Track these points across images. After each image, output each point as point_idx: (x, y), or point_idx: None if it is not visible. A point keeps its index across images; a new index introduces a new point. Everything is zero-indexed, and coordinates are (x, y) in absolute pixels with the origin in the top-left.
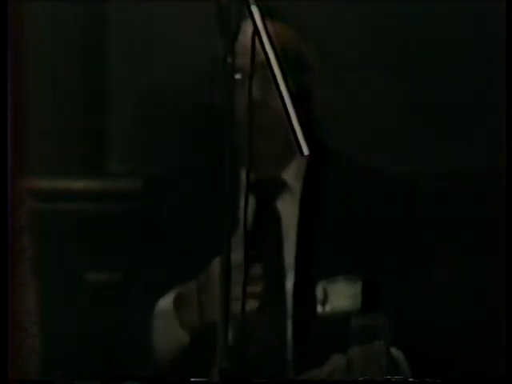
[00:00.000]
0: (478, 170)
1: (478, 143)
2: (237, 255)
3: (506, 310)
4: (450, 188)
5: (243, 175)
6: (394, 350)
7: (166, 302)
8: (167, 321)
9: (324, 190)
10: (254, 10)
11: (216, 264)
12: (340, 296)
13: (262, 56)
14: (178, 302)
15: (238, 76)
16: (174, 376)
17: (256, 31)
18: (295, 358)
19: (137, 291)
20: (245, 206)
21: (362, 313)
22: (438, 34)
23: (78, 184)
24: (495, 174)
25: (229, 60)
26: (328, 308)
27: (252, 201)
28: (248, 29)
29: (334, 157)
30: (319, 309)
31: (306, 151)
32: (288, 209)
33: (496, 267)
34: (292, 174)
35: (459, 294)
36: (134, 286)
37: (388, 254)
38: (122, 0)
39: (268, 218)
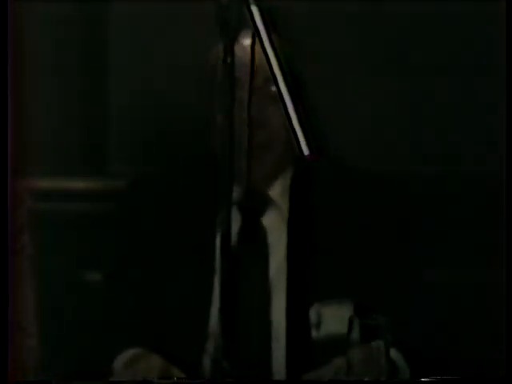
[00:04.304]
0: (477, 170)
1: (478, 143)
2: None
3: (506, 310)
4: (449, 188)
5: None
6: (393, 351)
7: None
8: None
9: (311, 207)
10: (254, 9)
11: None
12: (332, 319)
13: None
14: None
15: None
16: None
17: (256, 31)
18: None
19: (136, 290)
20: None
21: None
22: (437, 35)
23: (78, 184)
24: (495, 174)
25: (228, 60)
26: (321, 332)
27: (237, 216)
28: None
29: (321, 170)
30: (313, 333)
31: (306, 151)
32: (275, 227)
33: (496, 267)
34: (278, 192)
35: (459, 295)
36: (133, 285)
37: (386, 257)
38: (121, 0)
39: (254, 235)
